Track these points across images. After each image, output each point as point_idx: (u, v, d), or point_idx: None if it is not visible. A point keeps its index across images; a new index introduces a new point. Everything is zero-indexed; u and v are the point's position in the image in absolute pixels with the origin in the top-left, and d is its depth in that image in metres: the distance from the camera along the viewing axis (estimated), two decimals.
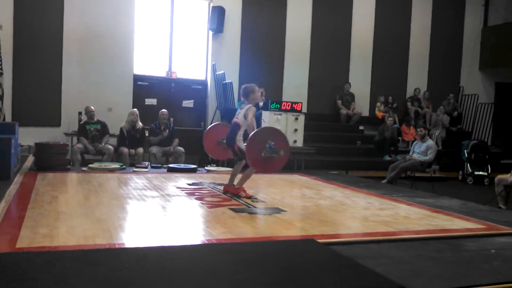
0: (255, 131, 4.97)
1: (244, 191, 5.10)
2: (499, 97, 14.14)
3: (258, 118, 10.03)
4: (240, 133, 5.07)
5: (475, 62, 13.98)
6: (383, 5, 12.81)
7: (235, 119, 5.15)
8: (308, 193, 5.84)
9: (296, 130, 9.10)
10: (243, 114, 5.05)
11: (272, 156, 4.83)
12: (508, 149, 13.11)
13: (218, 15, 10.96)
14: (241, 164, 5.18)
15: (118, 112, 9.81)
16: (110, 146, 8.53)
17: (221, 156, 6.11)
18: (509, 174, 6.81)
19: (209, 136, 5.77)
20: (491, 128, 13.34)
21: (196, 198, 4.99)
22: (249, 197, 5.04)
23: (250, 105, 5.08)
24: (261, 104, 10.50)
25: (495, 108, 13.45)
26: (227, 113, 10.53)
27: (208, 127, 5.98)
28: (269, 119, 8.91)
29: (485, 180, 10.55)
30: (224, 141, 5.44)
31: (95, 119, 8.71)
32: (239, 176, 5.26)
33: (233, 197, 5.04)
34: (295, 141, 9.07)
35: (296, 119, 9.12)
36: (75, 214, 3.97)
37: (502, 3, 13.91)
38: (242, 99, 5.29)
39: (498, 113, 13.60)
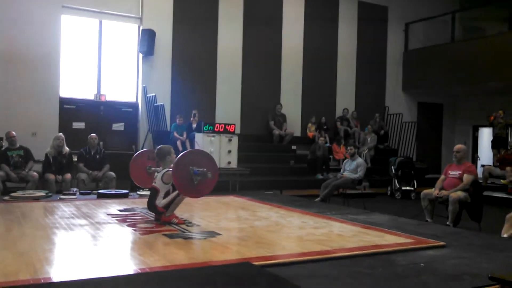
0: (177, 158, 4.76)
1: (176, 217, 4.94)
2: (421, 116, 14.97)
3: (192, 140, 9.97)
4: (161, 195, 4.82)
5: (399, 84, 14.75)
6: (311, 28, 13.24)
7: (153, 183, 4.93)
8: (244, 214, 5.81)
9: (230, 151, 9.10)
10: (160, 178, 4.84)
11: (201, 179, 4.71)
12: (431, 164, 13.82)
13: (148, 37, 10.84)
14: (181, 197, 4.98)
15: (43, 137, 9.37)
16: (35, 173, 8.10)
17: (146, 184, 5.84)
18: (433, 189, 7.13)
19: (135, 164, 5.58)
20: (415, 145, 14.04)
21: (128, 225, 4.81)
22: (182, 223, 4.90)
23: (167, 169, 4.83)
24: (194, 125, 10.45)
25: (418, 126, 14.18)
26: (159, 136, 10.37)
27: (134, 155, 5.74)
28: (202, 141, 8.86)
29: (412, 195, 11.02)
30: (152, 169, 5.29)
31: (18, 145, 8.26)
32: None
33: (165, 223, 4.89)
34: (229, 162, 9.06)
35: (230, 140, 9.13)
36: None
37: (420, 29, 14.82)
38: (157, 161, 5.08)
39: (421, 130, 14.35)
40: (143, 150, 6.07)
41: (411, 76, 14.63)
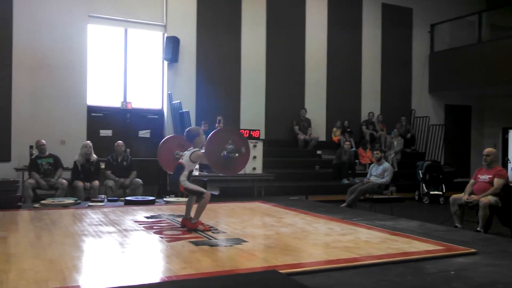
0: (208, 137, 4.81)
1: (202, 224, 4.95)
2: (449, 118, 14.69)
3: None
4: (185, 173, 4.87)
5: (425, 86, 14.53)
6: (335, 32, 13.17)
7: (180, 160, 4.98)
8: (269, 221, 5.79)
9: (255, 157, 9.08)
10: (188, 156, 4.86)
11: (234, 155, 4.72)
12: (460, 168, 13.57)
13: (173, 45, 10.95)
14: (205, 195, 5.01)
15: (71, 145, 9.55)
16: (64, 181, 8.25)
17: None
18: (463, 194, 6.99)
19: (164, 150, 5.62)
20: (443, 148, 13.79)
21: (154, 232, 4.85)
22: (209, 230, 4.91)
23: (196, 149, 4.88)
24: None
25: (446, 129, 13.93)
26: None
27: (163, 140, 5.77)
28: None
29: (441, 199, 10.83)
30: (180, 154, 5.32)
31: (47, 153, 8.43)
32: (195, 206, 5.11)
33: (191, 230, 4.90)
34: (254, 168, 9.05)
35: (255, 146, 9.11)
36: (26, 256, 3.76)
37: (446, 30, 14.59)
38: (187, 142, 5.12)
39: (449, 133, 14.09)
40: (171, 135, 6.09)
41: (437, 78, 14.40)
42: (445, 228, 5.69)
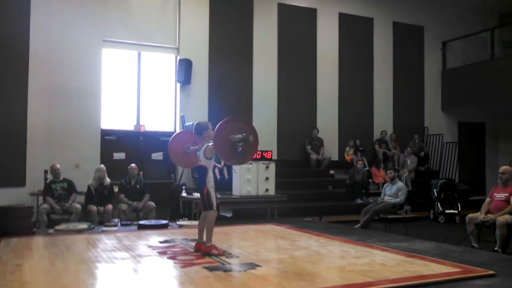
0: (215, 129, 4.82)
1: (216, 248, 4.94)
2: (463, 136, 14.55)
3: (229, 168, 10.00)
4: (210, 175, 4.94)
5: (438, 103, 14.45)
6: (346, 51, 13.19)
7: (199, 163, 5.02)
8: (283, 244, 5.75)
9: (267, 178, 9.07)
10: (202, 155, 4.94)
11: (243, 144, 4.74)
12: (475, 186, 13.38)
13: (186, 67, 11.05)
14: (206, 216, 5.01)
15: (85, 168, 9.58)
16: (78, 205, 8.29)
17: (187, 165, 5.93)
18: (479, 213, 6.88)
19: (174, 145, 5.64)
20: (457, 166, 13.63)
21: (168, 257, 4.84)
22: (222, 254, 4.89)
23: (207, 144, 4.93)
24: None
25: (460, 146, 13.80)
26: None
27: (174, 135, 5.78)
28: (239, 168, 8.87)
29: (456, 218, 10.66)
30: (190, 148, 5.36)
31: (61, 178, 8.49)
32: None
33: (205, 255, 4.88)
34: (267, 190, 9.03)
35: (267, 167, 9.11)
36: (40, 284, 3.78)
37: (458, 47, 14.56)
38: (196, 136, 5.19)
39: (463, 151, 13.95)
40: (181, 131, 6.10)
41: (450, 96, 14.31)
42: (462, 249, 5.61)
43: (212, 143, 4.84)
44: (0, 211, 6.51)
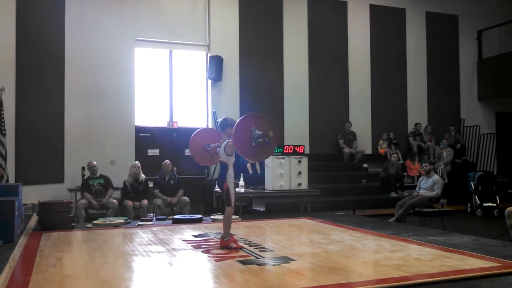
0: (235, 125, 4.86)
1: (234, 241, 5.00)
2: (500, 127, 14.15)
3: (261, 163, 10.02)
4: (230, 172, 4.99)
5: (474, 94, 14.09)
6: (378, 43, 13.03)
7: (219, 159, 5.08)
8: (317, 238, 5.74)
9: (300, 173, 9.05)
10: (223, 151, 4.99)
11: (263, 140, 4.76)
12: None
13: (216, 64, 11.13)
14: (226, 211, 5.06)
15: (121, 165, 9.81)
16: (114, 200, 8.49)
17: (207, 162, 5.99)
18: None
19: (195, 141, 5.70)
20: (496, 158, 13.28)
21: (202, 251, 4.90)
22: (241, 247, 4.93)
23: (227, 141, 4.96)
24: None
25: (498, 138, 13.43)
26: None
27: (195, 132, 5.84)
28: (272, 163, 8.88)
29: (495, 211, 10.42)
30: (211, 145, 5.44)
31: (98, 174, 8.71)
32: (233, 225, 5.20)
33: (224, 248, 4.93)
34: (299, 184, 9.01)
35: (299, 162, 9.08)
36: (80, 277, 3.89)
37: (494, 36, 14.14)
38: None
39: (501, 142, 13.57)
40: (201, 128, 6.16)
41: (487, 86, 13.93)
42: (501, 243, 5.47)
43: (232, 140, 4.88)
44: (41, 207, 6.72)
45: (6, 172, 8.48)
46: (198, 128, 6.02)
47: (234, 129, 4.85)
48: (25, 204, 7.99)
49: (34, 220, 7.27)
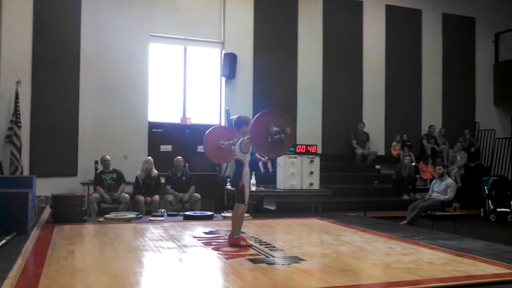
0: (252, 123, 4.87)
1: (244, 239, 5.00)
2: None
3: (273, 161, 10.03)
4: (246, 170, 4.99)
5: (489, 97, 13.92)
6: (393, 44, 12.93)
7: (234, 157, 5.08)
8: (327, 238, 5.72)
9: (312, 172, 9.03)
10: (238, 149, 4.99)
11: (279, 136, 4.78)
12: None
13: (230, 61, 11.13)
14: (237, 208, 5.05)
15: (133, 160, 9.87)
16: (126, 195, 8.54)
17: (220, 160, 6.01)
18: None
19: (209, 139, 5.72)
20: (510, 163, 13.12)
21: (213, 249, 4.91)
22: (251, 245, 4.94)
23: (242, 138, 4.98)
24: None
25: None
26: None
27: (209, 130, 5.85)
28: (284, 162, 8.87)
29: (509, 217, 10.30)
30: (225, 143, 5.46)
31: (111, 168, 8.76)
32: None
33: (233, 246, 4.94)
34: (311, 184, 8.99)
35: (312, 161, 9.06)
36: (91, 270, 3.92)
37: (511, 38, 13.96)
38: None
39: None
40: (215, 126, 6.17)
41: (503, 89, 13.74)
42: None
43: (247, 137, 4.88)
44: (54, 199, 6.79)
45: (20, 164, 8.59)
46: (211, 125, 6.03)
47: (252, 124, 4.86)
48: (39, 196, 8.07)
49: (47, 212, 7.35)
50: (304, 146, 9.21)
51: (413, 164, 11.67)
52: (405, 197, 10.79)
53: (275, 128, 4.77)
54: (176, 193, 8.79)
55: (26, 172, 8.81)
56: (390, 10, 12.97)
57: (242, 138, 4.98)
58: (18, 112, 8.73)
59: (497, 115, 13.97)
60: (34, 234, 5.60)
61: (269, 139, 4.78)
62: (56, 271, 3.85)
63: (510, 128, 13.99)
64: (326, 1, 12.37)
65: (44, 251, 4.63)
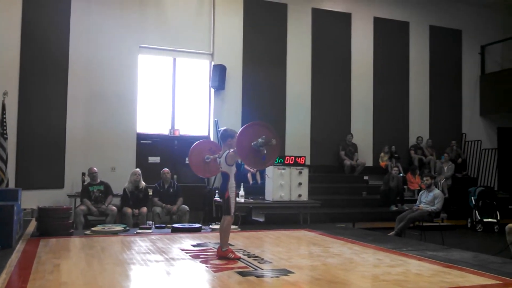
0: (237, 136, 4.89)
1: (232, 252, 4.99)
2: (502, 142, 14.13)
3: (262, 173, 10.02)
4: (231, 182, 5.01)
5: (476, 109, 14.08)
6: (381, 56, 13.05)
7: (220, 169, 5.11)
8: (316, 250, 5.71)
9: (300, 184, 9.02)
10: (224, 161, 5.01)
11: (264, 147, 4.80)
12: None
13: (220, 73, 11.15)
14: (225, 221, 5.03)
15: (121, 171, 9.80)
16: (113, 207, 8.46)
17: (206, 174, 6.04)
18: None
19: (194, 154, 5.74)
20: (497, 173, 13.24)
21: (201, 261, 4.87)
22: (239, 258, 4.92)
23: (228, 151, 4.99)
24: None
25: (499, 153, 13.40)
26: None
27: (194, 144, 5.87)
28: (272, 173, 8.86)
29: (495, 227, 10.37)
30: (210, 158, 5.51)
31: (98, 180, 8.69)
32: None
33: (222, 258, 4.92)
34: (299, 195, 8.98)
35: (300, 173, 9.06)
36: (77, 284, 3.87)
37: (497, 51, 14.18)
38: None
39: (502, 158, 13.54)
40: (201, 140, 6.19)
41: (489, 101, 13.93)
42: (501, 260, 5.43)
43: (233, 150, 4.89)
44: (40, 212, 6.70)
45: (6, 176, 8.47)
46: (200, 137, 6.03)
47: (237, 136, 4.88)
48: (24, 209, 7.96)
49: (32, 225, 7.25)
50: (293, 157, 9.21)
51: (401, 175, 11.74)
52: (393, 208, 10.84)
53: (260, 140, 4.79)
54: (164, 205, 8.72)
55: (11, 185, 8.69)
56: (378, 22, 13.11)
57: (227, 151, 5.00)
58: (4, 124, 8.62)
59: (484, 126, 14.13)
60: (19, 248, 5.51)
61: (255, 148, 4.81)
62: (42, 286, 3.79)
63: (496, 139, 14.15)
64: (315, 13, 12.48)
65: (29, 265, 4.56)
